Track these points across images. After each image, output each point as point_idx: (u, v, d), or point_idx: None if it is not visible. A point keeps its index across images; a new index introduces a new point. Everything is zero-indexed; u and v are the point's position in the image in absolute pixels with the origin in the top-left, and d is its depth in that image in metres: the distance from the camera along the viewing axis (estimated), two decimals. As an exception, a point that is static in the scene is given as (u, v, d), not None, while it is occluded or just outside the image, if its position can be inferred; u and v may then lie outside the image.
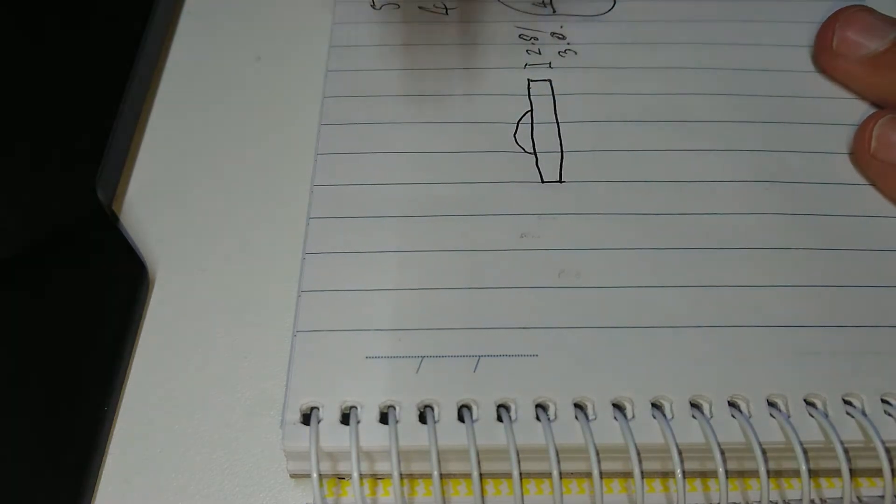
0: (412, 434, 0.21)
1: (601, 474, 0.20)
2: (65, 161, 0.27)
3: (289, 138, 0.29)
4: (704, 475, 0.22)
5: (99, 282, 0.25)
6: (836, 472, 0.21)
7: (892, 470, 0.20)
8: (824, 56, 0.28)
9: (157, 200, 0.27)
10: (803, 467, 0.20)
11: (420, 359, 0.22)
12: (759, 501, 0.20)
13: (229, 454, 0.22)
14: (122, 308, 0.24)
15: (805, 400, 0.21)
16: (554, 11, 0.31)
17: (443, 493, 0.20)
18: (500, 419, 0.21)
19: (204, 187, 0.27)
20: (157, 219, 0.27)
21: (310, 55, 0.31)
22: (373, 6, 0.31)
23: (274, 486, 0.22)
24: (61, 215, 0.26)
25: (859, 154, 0.26)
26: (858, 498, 0.22)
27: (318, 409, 0.21)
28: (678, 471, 0.20)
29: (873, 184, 0.26)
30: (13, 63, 0.30)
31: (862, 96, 0.28)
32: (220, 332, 0.24)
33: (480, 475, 0.20)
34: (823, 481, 0.22)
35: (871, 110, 0.28)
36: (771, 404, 0.21)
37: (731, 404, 0.21)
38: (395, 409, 0.21)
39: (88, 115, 0.28)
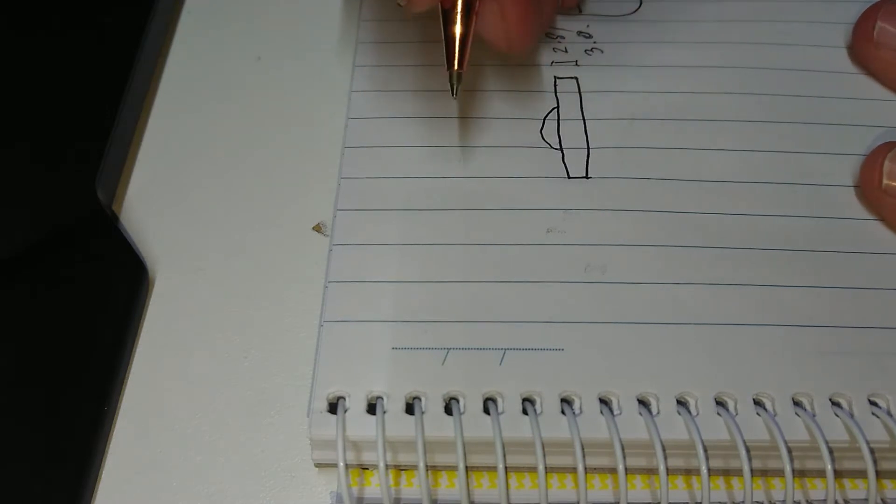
0: (437, 425, 0.21)
1: (626, 470, 0.20)
2: (65, 161, 0.27)
3: (289, 138, 0.29)
4: (728, 473, 0.22)
5: (99, 282, 0.25)
6: (860, 473, 0.21)
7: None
8: (863, 45, 0.28)
9: (157, 200, 0.27)
10: (829, 467, 0.20)
11: (446, 351, 0.22)
12: (784, 501, 0.20)
13: (229, 454, 0.23)
14: (122, 308, 0.24)
15: (830, 400, 0.22)
16: (580, 11, 0.31)
17: (467, 484, 0.21)
18: (525, 412, 0.21)
19: (204, 187, 0.28)
20: (157, 219, 0.27)
21: (310, 55, 0.31)
22: (399, 4, 0.31)
23: (274, 486, 0.22)
24: (61, 215, 0.26)
25: (868, 188, 0.25)
26: (883, 500, 0.22)
27: (344, 398, 0.22)
28: (703, 468, 0.20)
29: (881, 219, 0.25)
30: (13, 63, 0.30)
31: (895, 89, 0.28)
32: (219, 332, 0.25)
33: (505, 468, 0.20)
34: (847, 482, 0.22)
35: None
36: (796, 403, 0.22)
37: (757, 402, 0.22)
38: (420, 400, 0.22)
39: (88, 115, 0.28)
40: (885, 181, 0.24)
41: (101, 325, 0.24)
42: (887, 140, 0.26)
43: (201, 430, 0.23)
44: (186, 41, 0.32)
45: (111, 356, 0.24)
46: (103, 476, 0.22)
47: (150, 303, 0.25)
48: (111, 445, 0.23)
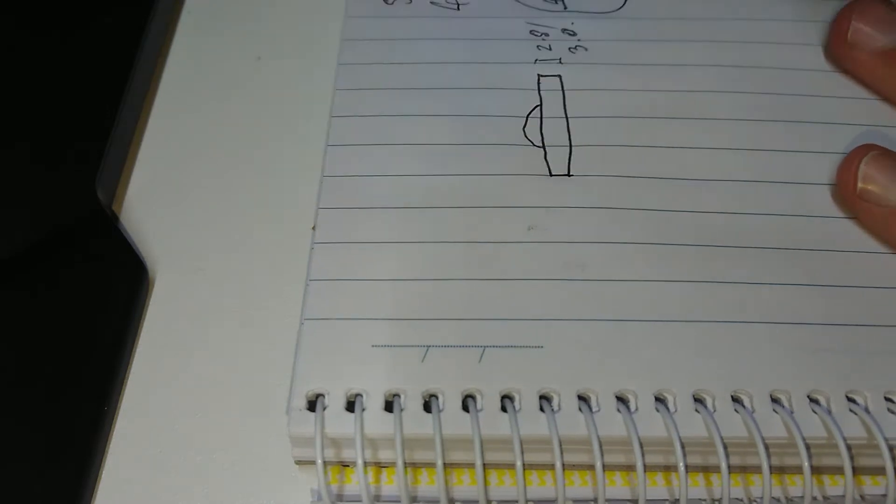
0: (417, 423, 0.21)
1: (604, 466, 0.21)
2: (65, 161, 0.27)
3: (288, 138, 0.29)
4: (707, 470, 0.22)
5: (99, 282, 0.25)
6: (839, 470, 0.21)
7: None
8: (839, 47, 0.28)
9: (157, 200, 0.28)
10: (806, 463, 0.20)
11: (426, 348, 0.22)
12: (762, 498, 0.21)
13: (229, 454, 0.23)
14: (122, 308, 0.25)
15: (808, 396, 0.22)
16: (565, 8, 0.31)
17: (445, 482, 0.21)
18: (504, 409, 0.21)
19: (204, 187, 0.28)
20: (157, 219, 0.27)
21: (310, 55, 0.31)
22: (385, 1, 0.31)
23: (274, 486, 0.22)
24: (61, 215, 0.26)
25: (844, 191, 0.25)
26: (861, 496, 0.22)
27: (323, 396, 0.22)
28: (681, 465, 0.21)
29: (856, 219, 0.25)
30: (14, 63, 0.30)
31: (873, 90, 0.28)
32: (219, 332, 0.25)
33: (484, 465, 0.21)
34: (826, 479, 0.22)
35: (884, 107, 0.28)
36: (774, 400, 0.22)
37: (735, 399, 0.22)
38: (400, 397, 0.22)
39: (88, 115, 0.28)
40: (860, 185, 0.24)
41: (101, 325, 0.24)
42: (866, 140, 0.26)
43: (201, 430, 0.23)
44: (186, 41, 0.32)
45: (111, 356, 0.24)
46: (103, 476, 0.22)
47: (150, 303, 0.25)
48: (111, 445, 0.23)
